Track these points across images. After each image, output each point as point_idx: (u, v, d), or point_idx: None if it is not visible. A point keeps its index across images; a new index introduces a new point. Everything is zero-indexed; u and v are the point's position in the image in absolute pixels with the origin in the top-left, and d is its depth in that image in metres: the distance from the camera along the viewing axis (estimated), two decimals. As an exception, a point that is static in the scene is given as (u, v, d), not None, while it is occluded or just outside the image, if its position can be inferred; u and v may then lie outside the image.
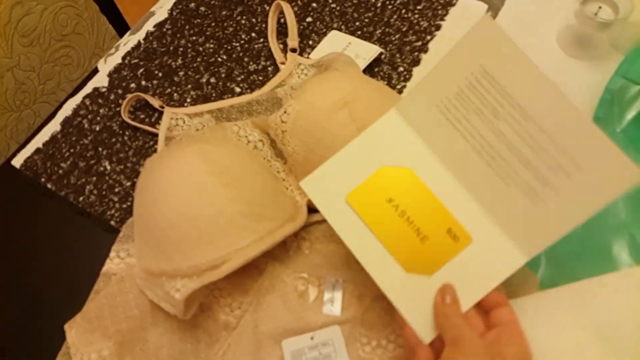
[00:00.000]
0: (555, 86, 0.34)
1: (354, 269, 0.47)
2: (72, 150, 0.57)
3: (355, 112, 0.48)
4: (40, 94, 0.88)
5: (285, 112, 0.51)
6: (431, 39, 0.64)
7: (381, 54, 0.62)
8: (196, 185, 0.43)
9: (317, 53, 0.64)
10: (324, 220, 0.51)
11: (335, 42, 0.65)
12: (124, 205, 0.53)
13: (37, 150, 0.57)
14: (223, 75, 0.63)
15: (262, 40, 0.66)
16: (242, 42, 0.66)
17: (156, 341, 0.44)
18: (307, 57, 0.64)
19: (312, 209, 0.50)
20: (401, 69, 0.62)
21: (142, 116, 0.60)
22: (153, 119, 0.59)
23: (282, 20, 0.67)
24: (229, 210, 0.42)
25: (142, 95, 0.59)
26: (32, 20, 0.80)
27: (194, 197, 0.43)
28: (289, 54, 0.63)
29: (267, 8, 0.68)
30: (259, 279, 0.46)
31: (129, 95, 0.59)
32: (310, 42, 0.65)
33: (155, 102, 0.58)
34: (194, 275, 0.41)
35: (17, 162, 0.57)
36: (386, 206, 0.40)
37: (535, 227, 0.37)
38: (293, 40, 0.63)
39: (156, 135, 0.58)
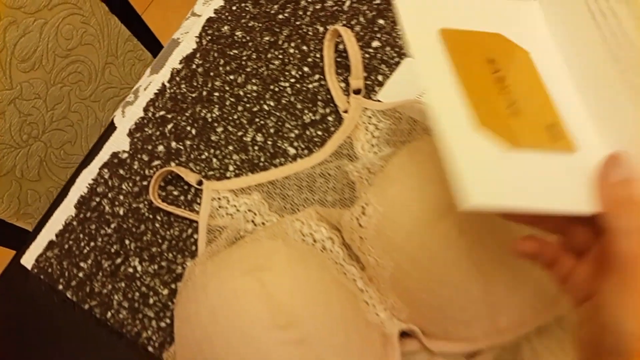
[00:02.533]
0: None
1: None
2: (92, 244, 0.48)
3: (463, 222, 0.37)
4: (50, 121, 0.78)
5: (363, 212, 0.40)
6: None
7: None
8: (259, 345, 0.34)
9: (389, 90, 0.52)
10: (419, 350, 0.42)
11: (412, 74, 0.52)
12: (162, 324, 0.45)
13: (50, 244, 0.49)
14: (272, 130, 0.52)
15: (317, 77, 0.54)
16: (292, 80, 0.54)
17: None
18: (376, 99, 0.52)
19: (404, 333, 0.41)
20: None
21: (175, 192, 0.50)
22: (189, 196, 0.49)
23: (341, 46, 0.54)
24: None
25: (175, 169, 0.48)
26: (30, 40, 0.69)
27: (258, 361, 0.34)
28: (353, 97, 0.51)
29: (321, 30, 0.55)
30: None
31: (158, 169, 0.49)
32: (380, 78, 0.53)
33: (192, 178, 0.48)
34: None
35: (28, 261, 0.48)
36: (483, 64, 0.32)
37: None
38: (357, 79, 0.51)
39: (195, 220, 0.48)
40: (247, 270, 0.37)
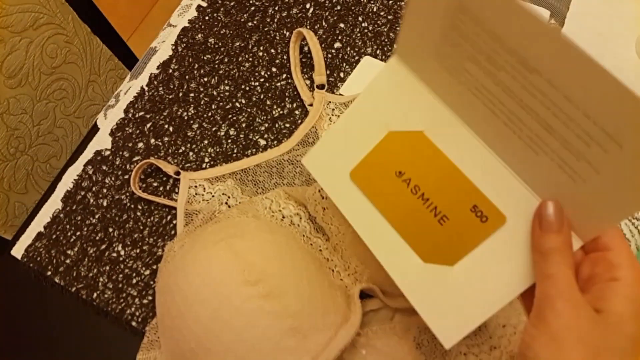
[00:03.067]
0: (557, 30, 0.23)
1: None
2: (78, 233, 0.52)
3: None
4: (36, 136, 0.82)
5: (325, 185, 0.44)
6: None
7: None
8: (231, 300, 0.38)
9: (349, 85, 0.57)
10: (380, 308, 0.46)
11: (370, 71, 0.58)
12: (145, 301, 0.48)
13: (39, 235, 0.52)
14: (243, 124, 0.56)
15: (285, 75, 0.58)
16: (261, 80, 0.59)
17: None
18: (338, 93, 0.57)
19: (364, 294, 0.45)
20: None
21: (155, 184, 0.54)
22: (168, 187, 0.53)
23: (305, 48, 0.60)
24: (274, 330, 0.37)
25: (154, 161, 0.52)
26: (17, 58, 0.74)
27: (229, 316, 0.38)
28: (317, 91, 0.56)
29: (287, 34, 0.61)
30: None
31: (138, 163, 0.53)
32: (342, 75, 0.58)
33: (170, 169, 0.52)
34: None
35: (18, 252, 0.51)
36: (395, 182, 0.34)
37: (582, 209, 0.28)
38: (320, 75, 0.56)
39: (174, 208, 0.52)
40: (219, 239, 0.41)
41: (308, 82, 0.58)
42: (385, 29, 0.60)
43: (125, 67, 0.98)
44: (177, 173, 0.53)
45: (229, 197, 0.50)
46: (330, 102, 0.55)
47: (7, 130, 0.76)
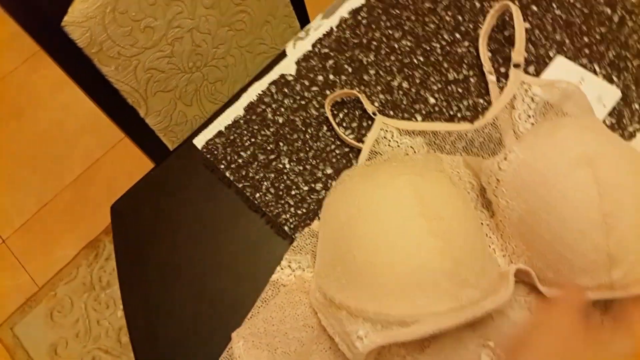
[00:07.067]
0: None
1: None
2: (252, 140, 0.58)
3: (600, 173, 0.40)
4: (212, 57, 0.91)
5: (505, 158, 0.45)
6: (680, 71, 0.54)
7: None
8: (404, 226, 0.40)
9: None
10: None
11: (563, 74, 0.57)
12: (299, 212, 0.53)
13: (219, 134, 0.59)
14: (417, 80, 0.59)
15: (466, 43, 0.60)
16: (443, 43, 0.61)
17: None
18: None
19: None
20: (636, 105, 0.54)
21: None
22: (337, 120, 0.58)
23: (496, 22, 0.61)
24: (434, 266, 0.39)
25: (359, 94, 0.57)
26: (217, -19, 0.82)
27: (399, 239, 0.40)
28: (512, 70, 0.56)
29: (478, 5, 0.62)
30: (440, 338, 0.43)
31: (342, 90, 0.57)
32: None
33: (370, 107, 0.56)
34: (379, 324, 0.39)
35: (199, 142, 0.59)
36: None
37: None
38: (519, 55, 0.56)
39: (339, 140, 0.56)
40: (402, 173, 0.43)
41: (490, 54, 0.59)
42: (579, 21, 0.59)
43: (295, 17, 1.04)
44: (374, 114, 0.56)
45: (415, 151, 0.53)
46: (524, 82, 0.55)
47: (192, 44, 0.85)
